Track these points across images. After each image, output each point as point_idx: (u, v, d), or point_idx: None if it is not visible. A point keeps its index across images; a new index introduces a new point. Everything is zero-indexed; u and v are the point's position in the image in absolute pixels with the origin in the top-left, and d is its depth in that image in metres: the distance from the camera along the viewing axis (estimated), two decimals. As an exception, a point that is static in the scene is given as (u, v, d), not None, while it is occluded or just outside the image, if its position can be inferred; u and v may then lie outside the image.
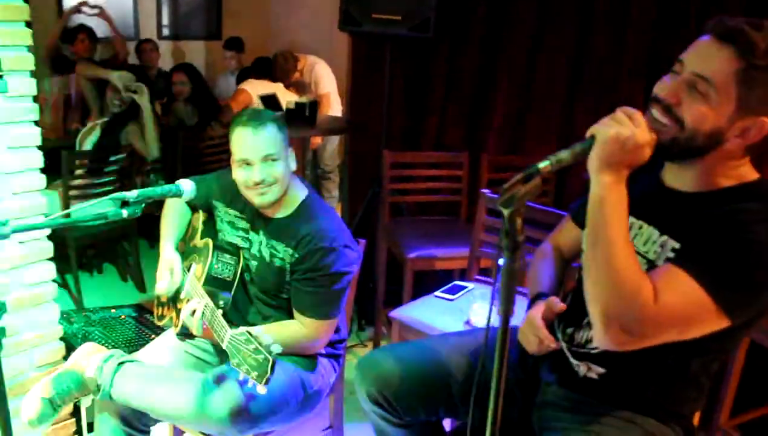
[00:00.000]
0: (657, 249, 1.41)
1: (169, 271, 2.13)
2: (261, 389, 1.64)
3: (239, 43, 5.76)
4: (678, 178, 1.43)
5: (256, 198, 2.01)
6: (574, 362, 1.57)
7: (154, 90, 4.68)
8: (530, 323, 1.59)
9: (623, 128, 1.23)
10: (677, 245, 1.37)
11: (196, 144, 4.46)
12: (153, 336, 2.81)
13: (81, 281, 3.70)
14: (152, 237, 4.48)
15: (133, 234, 4.00)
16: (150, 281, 3.94)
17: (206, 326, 1.92)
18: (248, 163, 1.98)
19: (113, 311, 3.11)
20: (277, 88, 4.77)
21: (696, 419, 1.73)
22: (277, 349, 1.64)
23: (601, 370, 1.52)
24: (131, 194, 1.70)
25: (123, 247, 4.19)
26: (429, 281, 3.27)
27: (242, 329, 1.75)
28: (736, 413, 2.63)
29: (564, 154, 1.22)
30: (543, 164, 1.16)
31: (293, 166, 2.05)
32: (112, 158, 3.78)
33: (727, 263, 1.25)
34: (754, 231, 1.25)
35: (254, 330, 1.71)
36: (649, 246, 1.44)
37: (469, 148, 3.52)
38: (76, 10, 4.97)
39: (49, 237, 2.37)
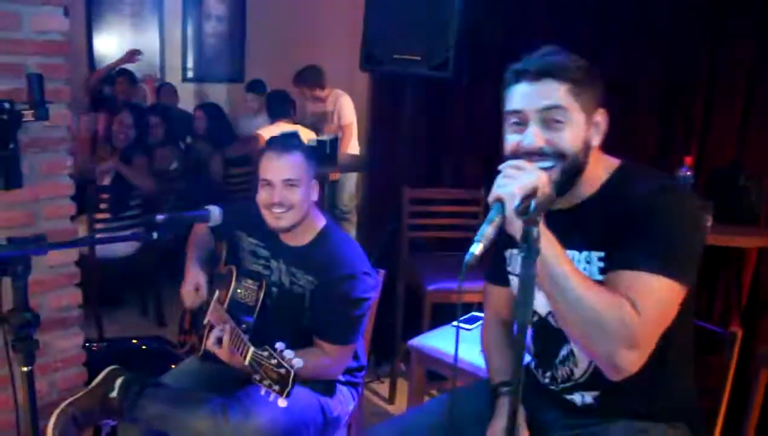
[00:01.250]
0: (584, 266, 1.46)
1: (194, 286, 2.17)
2: (282, 402, 1.66)
3: (261, 85, 5.88)
4: (565, 200, 1.49)
5: (272, 220, 2.06)
6: (566, 396, 1.59)
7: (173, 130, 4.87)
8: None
9: (526, 178, 1.28)
10: (602, 254, 1.44)
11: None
12: (173, 366, 2.84)
13: (102, 315, 3.74)
14: (173, 275, 4.53)
15: (154, 269, 4.06)
16: (169, 316, 3.98)
17: (231, 347, 1.95)
18: (270, 184, 2.04)
19: (134, 341, 3.15)
20: (296, 129, 4.88)
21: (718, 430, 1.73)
22: (298, 363, 1.66)
23: (595, 393, 1.55)
24: (160, 217, 1.77)
25: (143, 282, 4.24)
26: (447, 315, 3.28)
27: (264, 346, 1.78)
28: (762, 427, 2.60)
29: (488, 230, 1.22)
30: (476, 248, 1.19)
31: (314, 196, 2.11)
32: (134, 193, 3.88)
33: (661, 242, 1.35)
34: (657, 203, 1.37)
35: (276, 346, 1.74)
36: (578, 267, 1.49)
37: (486, 185, 3.55)
38: (128, 59, 5.21)
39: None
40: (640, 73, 3.09)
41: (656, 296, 1.33)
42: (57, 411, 2.00)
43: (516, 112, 1.45)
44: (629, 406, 1.52)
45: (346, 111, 5.32)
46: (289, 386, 1.65)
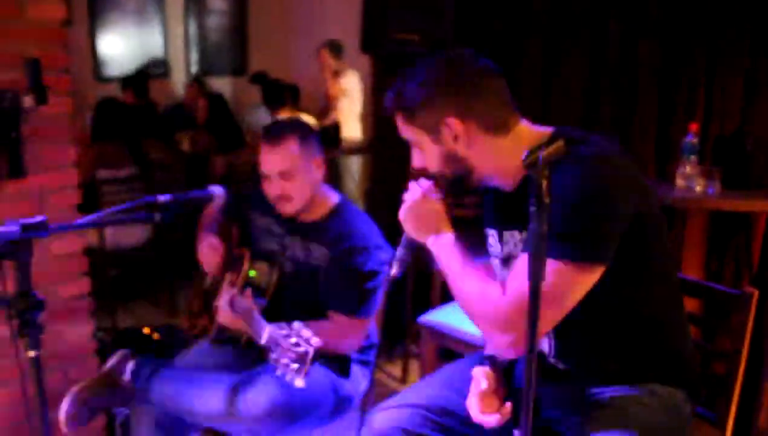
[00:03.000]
0: (520, 246, 1.51)
1: (209, 247, 2.17)
2: (300, 382, 1.63)
3: (264, 77, 5.89)
4: (501, 183, 1.54)
5: (280, 208, 2.09)
6: (551, 361, 1.58)
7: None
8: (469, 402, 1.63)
9: (409, 198, 1.54)
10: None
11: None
12: (185, 353, 2.85)
13: (116, 306, 3.77)
14: (185, 265, 4.55)
15: (165, 259, 4.07)
16: (182, 306, 3.98)
17: (243, 325, 1.93)
18: (267, 177, 2.05)
19: (145, 330, 3.16)
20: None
21: (731, 420, 1.71)
22: (317, 342, 1.64)
23: (566, 366, 1.55)
24: (163, 197, 1.76)
25: (155, 272, 4.26)
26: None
27: (282, 324, 1.77)
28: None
29: (401, 253, 1.58)
30: (394, 270, 1.55)
31: (319, 176, 2.10)
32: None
33: (551, 223, 1.27)
34: (555, 182, 1.29)
35: (294, 324, 1.73)
36: (514, 248, 1.53)
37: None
38: None
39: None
40: (642, 40, 3.06)
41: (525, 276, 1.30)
42: (69, 396, 2.01)
43: None
44: (605, 369, 1.51)
45: (361, 95, 5.30)
46: (308, 365, 1.62)
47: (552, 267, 1.27)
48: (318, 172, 2.10)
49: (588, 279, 1.35)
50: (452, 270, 1.48)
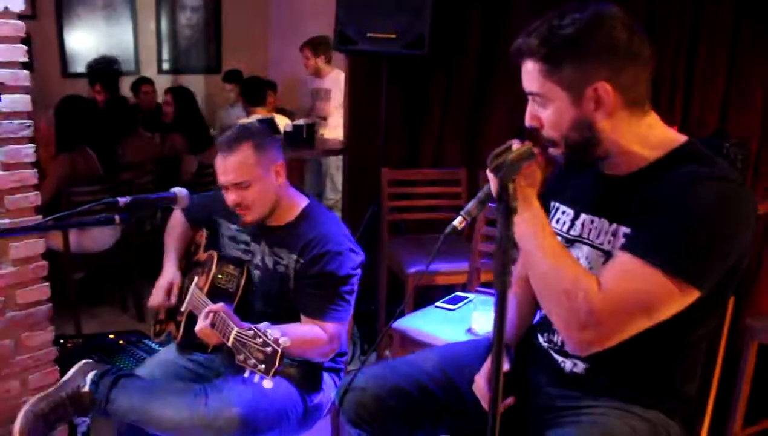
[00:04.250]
0: (610, 238, 1.41)
1: (165, 289, 2.11)
2: (267, 383, 1.60)
3: (238, 75, 5.80)
4: (611, 166, 1.42)
5: (241, 217, 2.01)
6: (558, 358, 1.54)
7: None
8: (476, 385, 1.63)
9: (511, 155, 1.29)
10: (628, 230, 1.37)
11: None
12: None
13: (80, 312, 3.66)
14: (152, 269, 4.46)
15: (132, 264, 3.97)
16: (150, 311, 3.88)
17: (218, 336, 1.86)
18: (224, 187, 1.98)
19: (111, 336, 3.07)
20: (270, 117, 4.77)
21: (705, 426, 1.68)
22: (285, 342, 1.60)
23: (585, 365, 1.50)
24: (123, 199, 1.69)
25: (122, 277, 4.15)
26: (430, 298, 3.23)
27: (248, 325, 1.71)
28: (749, 421, 2.57)
29: (471, 206, 1.34)
30: (457, 221, 1.32)
31: (280, 181, 2.01)
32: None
33: (673, 235, 1.25)
34: (688, 193, 1.26)
35: (261, 325, 1.68)
36: (603, 238, 1.43)
37: (467, 164, 3.51)
38: None
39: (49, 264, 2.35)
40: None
41: (636, 285, 1.27)
42: (24, 408, 1.93)
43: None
44: (617, 386, 1.47)
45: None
46: (276, 364, 1.59)
47: (657, 277, 1.24)
48: (279, 177, 2.01)
49: (686, 302, 1.28)
50: (544, 246, 1.34)
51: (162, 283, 2.15)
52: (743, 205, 1.28)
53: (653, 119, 1.39)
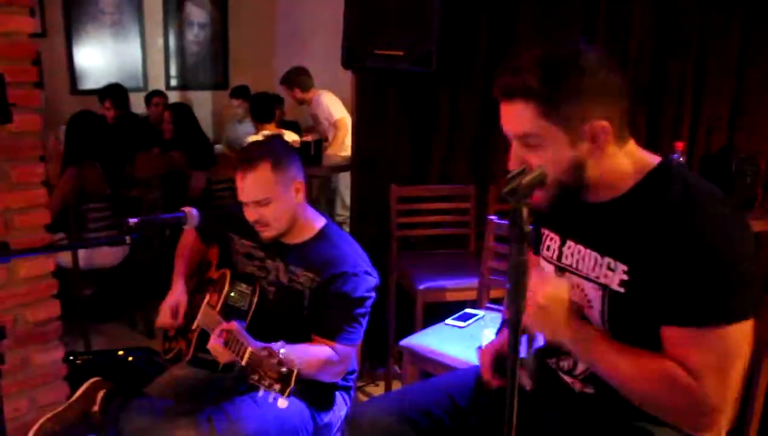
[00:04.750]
0: (606, 272, 1.37)
1: (173, 309, 2.11)
2: (282, 403, 1.60)
3: (245, 90, 5.83)
4: (592, 194, 1.39)
5: (260, 233, 2.03)
6: (568, 379, 1.53)
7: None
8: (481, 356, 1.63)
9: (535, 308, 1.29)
10: (625, 268, 1.33)
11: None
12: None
13: (89, 328, 3.65)
14: (161, 286, 4.46)
15: (141, 280, 3.97)
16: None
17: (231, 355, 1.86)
18: (245, 203, 1.99)
19: (120, 353, 3.06)
20: (279, 133, 4.80)
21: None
22: (300, 362, 1.62)
23: (592, 390, 1.49)
24: (133, 220, 1.70)
25: (130, 293, 4.15)
26: (440, 314, 3.22)
27: (262, 344, 1.71)
28: (763, 432, 2.54)
29: (529, 362, 1.40)
30: (528, 383, 1.42)
31: (299, 199, 2.03)
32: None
33: (706, 282, 1.21)
34: (696, 224, 1.23)
35: (275, 345, 1.67)
36: (598, 271, 1.39)
37: (475, 180, 3.50)
38: None
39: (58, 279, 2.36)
40: (627, 58, 3.03)
41: (715, 352, 1.23)
42: (35, 427, 1.93)
43: (507, 134, 1.38)
44: (628, 406, 1.44)
45: (332, 108, 5.21)
46: (291, 384, 1.59)
47: (728, 332, 1.21)
48: (298, 195, 2.02)
49: (750, 334, 1.25)
50: (614, 364, 1.29)
51: (169, 303, 2.15)
52: (740, 218, 1.28)
53: (632, 145, 1.38)
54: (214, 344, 1.81)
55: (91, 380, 2.08)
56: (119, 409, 1.95)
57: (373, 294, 2.03)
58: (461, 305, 3.06)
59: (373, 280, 2.03)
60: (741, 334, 1.23)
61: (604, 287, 1.37)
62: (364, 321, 2.03)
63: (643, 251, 1.29)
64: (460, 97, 3.54)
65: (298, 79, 5.20)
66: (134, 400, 1.98)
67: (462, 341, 2.40)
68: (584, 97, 1.28)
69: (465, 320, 2.55)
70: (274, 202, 1.96)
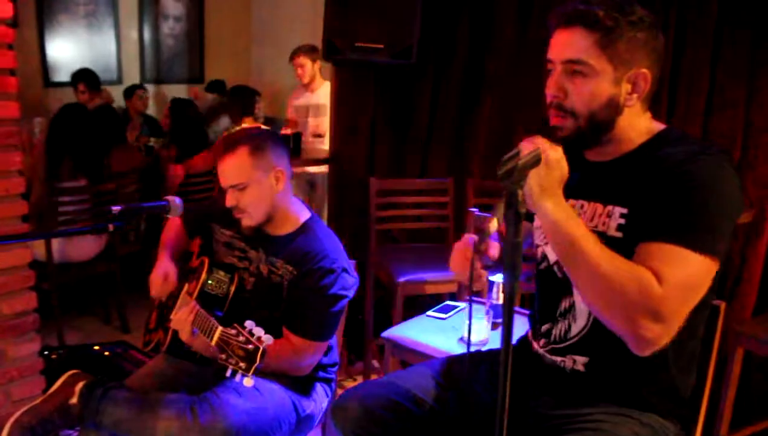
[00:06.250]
0: (604, 220, 1.43)
1: (163, 274, 2.08)
2: (248, 381, 1.60)
3: (221, 85, 5.79)
4: (599, 153, 1.47)
5: (239, 221, 2.01)
6: (557, 359, 1.55)
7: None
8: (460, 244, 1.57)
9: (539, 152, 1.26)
10: (625, 211, 1.40)
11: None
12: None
13: (63, 323, 3.59)
14: (136, 280, 4.41)
15: (117, 275, 3.92)
16: (133, 322, 3.85)
17: (197, 332, 1.85)
18: (225, 189, 1.98)
19: (96, 348, 3.03)
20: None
21: (699, 431, 1.69)
22: (268, 339, 1.60)
23: (585, 359, 1.50)
24: (116, 208, 1.68)
25: (106, 287, 4.10)
26: (419, 308, 3.23)
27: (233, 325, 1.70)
28: (735, 426, 2.59)
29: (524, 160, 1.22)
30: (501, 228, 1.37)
31: (280, 187, 2.01)
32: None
33: (692, 212, 1.29)
34: (690, 171, 1.31)
35: (245, 323, 1.67)
36: (597, 220, 1.45)
37: (454, 173, 3.52)
38: None
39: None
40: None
41: (684, 270, 1.27)
42: (11, 421, 1.88)
43: (550, 61, 1.43)
44: (616, 383, 1.47)
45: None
46: (257, 362, 1.58)
47: (697, 259, 1.27)
48: (278, 184, 2.00)
49: (713, 274, 1.32)
50: (590, 246, 1.29)
51: (157, 273, 2.09)
52: (734, 172, 1.36)
53: (649, 114, 1.47)
54: (176, 317, 1.83)
55: (69, 373, 2.04)
56: (99, 400, 1.92)
57: (350, 294, 2.03)
58: (439, 298, 3.08)
59: (351, 279, 2.02)
60: (706, 269, 1.30)
61: (602, 234, 1.41)
62: (337, 319, 2.02)
63: (642, 192, 1.36)
64: (439, 91, 3.56)
65: (320, 57, 4.89)
66: (114, 391, 1.95)
67: (444, 332, 2.41)
68: (639, 45, 1.36)
69: (446, 312, 2.56)
70: (252, 187, 1.94)
